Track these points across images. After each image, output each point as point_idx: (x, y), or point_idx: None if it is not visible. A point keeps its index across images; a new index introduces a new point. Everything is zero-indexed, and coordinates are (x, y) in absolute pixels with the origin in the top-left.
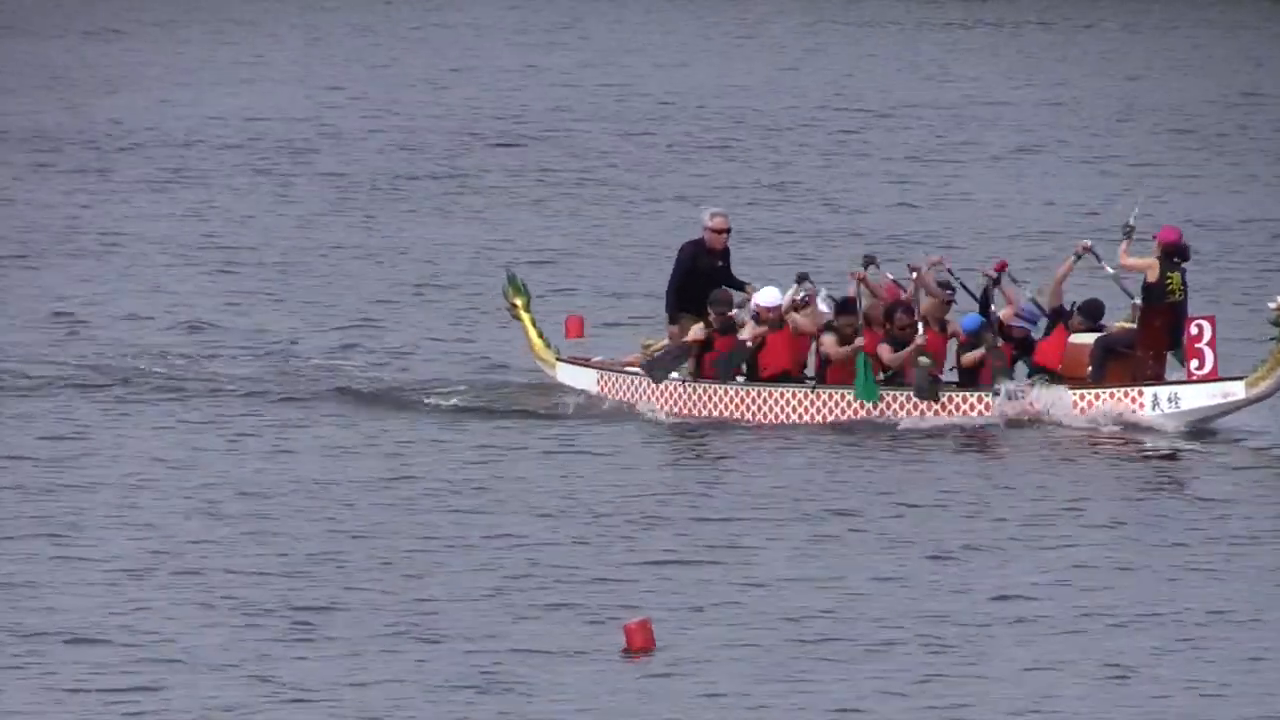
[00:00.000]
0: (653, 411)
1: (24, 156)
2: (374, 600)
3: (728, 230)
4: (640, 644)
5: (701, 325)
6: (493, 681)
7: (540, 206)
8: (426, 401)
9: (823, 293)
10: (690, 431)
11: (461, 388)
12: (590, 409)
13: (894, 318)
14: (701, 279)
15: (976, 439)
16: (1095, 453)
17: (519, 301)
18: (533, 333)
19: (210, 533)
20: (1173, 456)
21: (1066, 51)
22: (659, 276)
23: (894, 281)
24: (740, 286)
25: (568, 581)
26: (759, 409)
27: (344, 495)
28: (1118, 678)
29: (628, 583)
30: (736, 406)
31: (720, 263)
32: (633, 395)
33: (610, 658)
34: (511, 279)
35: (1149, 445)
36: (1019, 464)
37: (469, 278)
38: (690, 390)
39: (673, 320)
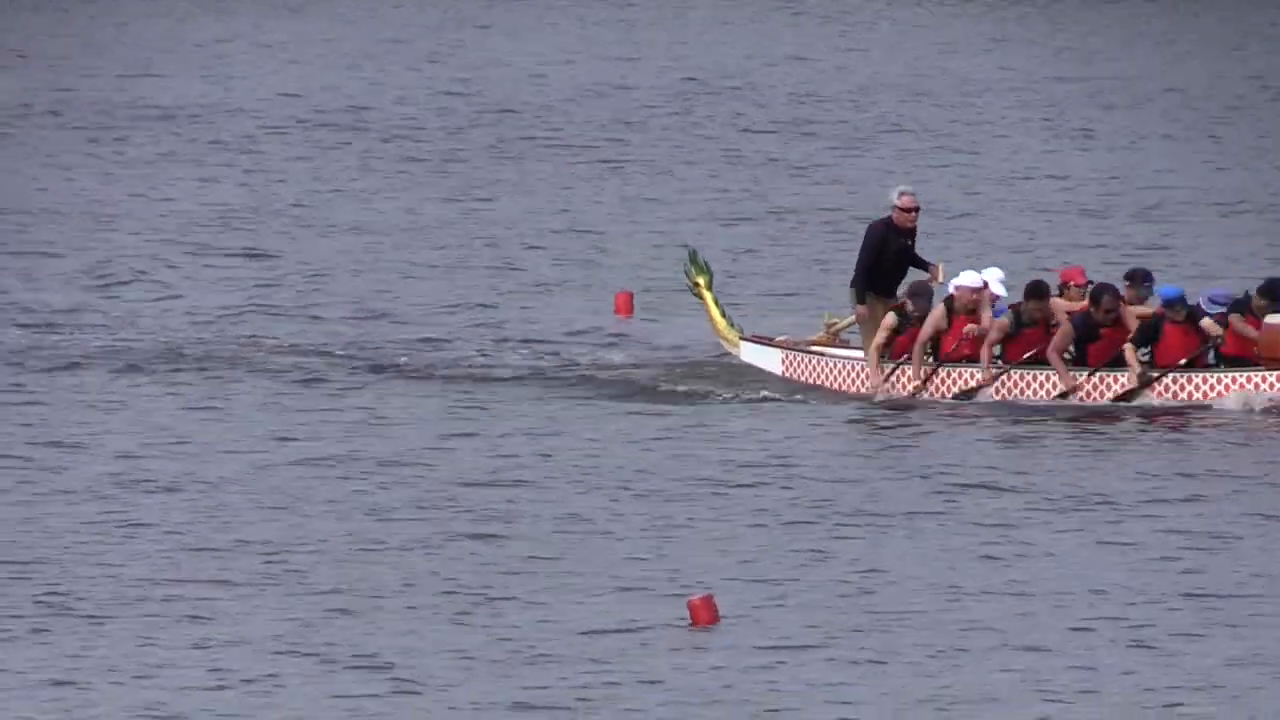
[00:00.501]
0: (839, 392)
1: (82, 132)
2: (443, 570)
3: (916, 209)
4: (704, 619)
5: (894, 315)
6: (557, 656)
7: (704, 181)
8: (502, 376)
9: (997, 275)
10: (773, 407)
11: (525, 364)
12: (677, 383)
13: (1100, 301)
14: (890, 258)
15: (1102, 424)
16: None
17: (701, 280)
18: (715, 311)
19: (328, 507)
20: None
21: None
22: (833, 254)
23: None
24: (925, 266)
25: (633, 557)
26: (949, 388)
27: (420, 470)
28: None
29: (692, 558)
30: (931, 386)
31: (908, 242)
32: (817, 375)
33: (675, 632)
34: (693, 257)
35: None
36: (1184, 450)
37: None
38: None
39: (860, 300)
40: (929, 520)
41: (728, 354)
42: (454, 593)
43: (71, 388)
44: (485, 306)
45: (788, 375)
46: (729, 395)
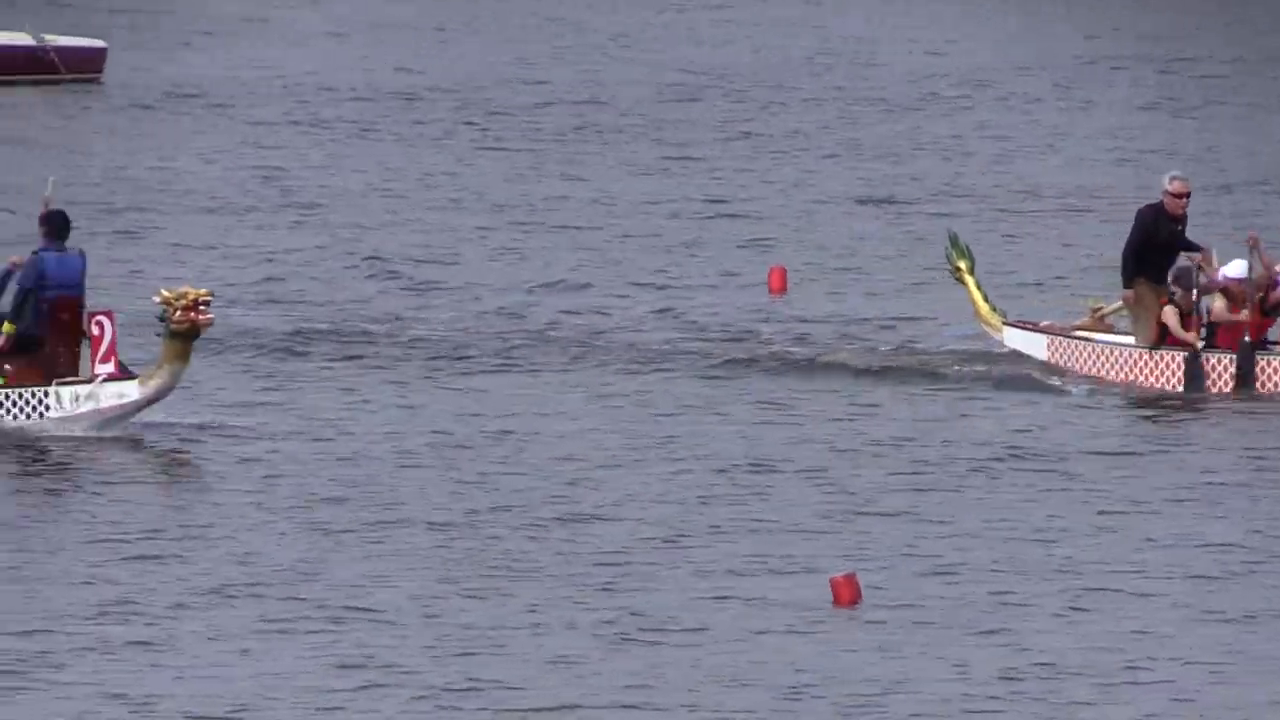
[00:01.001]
0: (1102, 378)
1: (203, 110)
2: (587, 546)
3: (1188, 195)
4: (847, 598)
5: (1174, 310)
6: (701, 632)
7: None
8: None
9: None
10: (941, 387)
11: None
12: (834, 358)
13: None
14: (1160, 244)
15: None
16: None
17: (963, 265)
18: (978, 296)
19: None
20: None
21: None
22: (1090, 239)
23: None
24: (1196, 249)
25: (777, 534)
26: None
27: (574, 447)
28: None
29: (836, 536)
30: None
31: (1179, 227)
32: (1082, 361)
33: (817, 611)
34: (954, 241)
35: None
36: None
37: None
38: (1143, 357)
39: (1128, 284)
40: (1162, 517)
41: (990, 338)
42: (605, 564)
43: (241, 367)
44: (637, 284)
45: (1054, 360)
46: (890, 370)
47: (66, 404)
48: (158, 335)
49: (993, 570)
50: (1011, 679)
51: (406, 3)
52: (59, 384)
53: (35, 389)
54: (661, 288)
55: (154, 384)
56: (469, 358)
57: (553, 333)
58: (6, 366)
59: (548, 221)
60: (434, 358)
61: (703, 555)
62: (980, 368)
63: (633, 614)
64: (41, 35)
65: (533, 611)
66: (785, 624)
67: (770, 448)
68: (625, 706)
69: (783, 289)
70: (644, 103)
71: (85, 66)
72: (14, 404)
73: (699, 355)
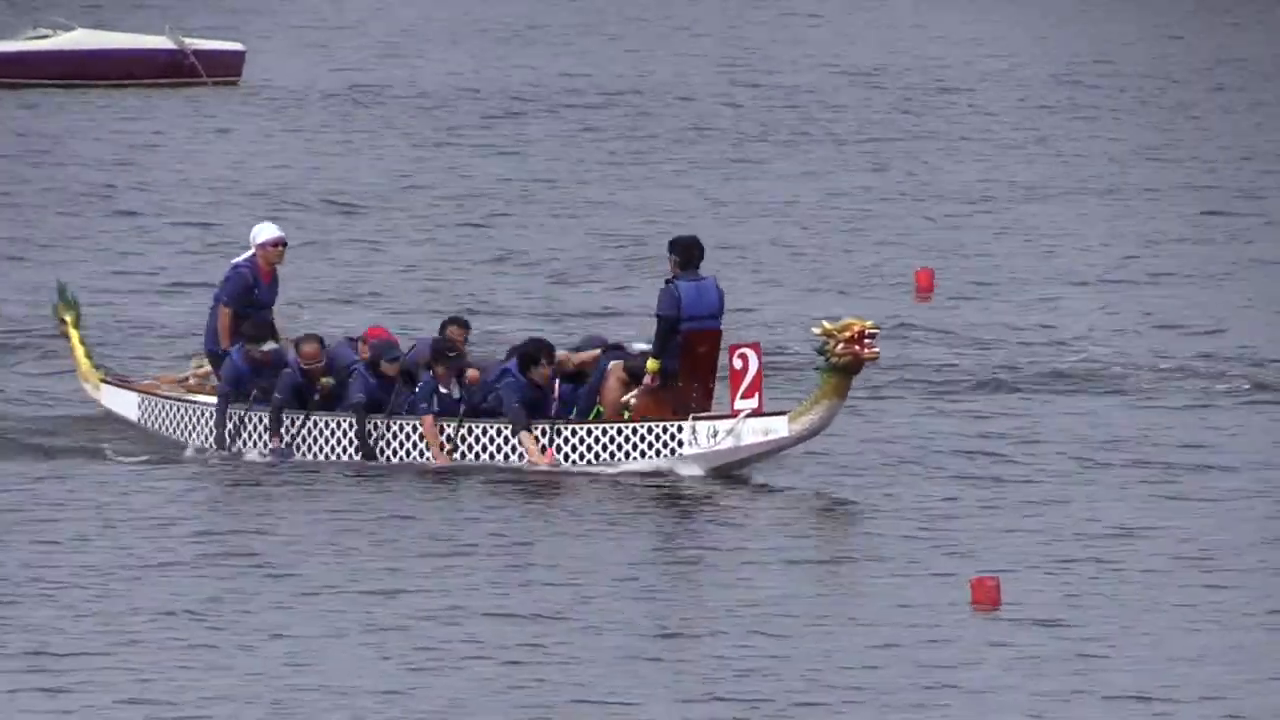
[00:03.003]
0: None
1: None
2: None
3: None
4: (986, 599)
5: None
6: (838, 630)
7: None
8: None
9: None
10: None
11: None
12: (978, 361)
13: None
14: None
15: None
16: None
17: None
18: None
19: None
20: None
21: None
22: None
23: None
24: None
25: (917, 536)
26: None
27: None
28: None
29: (977, 537)
30: None
31: None
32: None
33: (957, 611)
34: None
35: None
36: None
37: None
38: None
39: None
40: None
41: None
42: (743, 554)
43: None
44: (778, 285)
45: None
46: (1032, 377)
47: (703, 440)
48: (816, 369)
49: (1136, 571)
50: (1150, 682)
51: (558, 5)
52: (695, 419)
53: (668, 423)
54: (796, 291)
55: (805, 421)
56: None
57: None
58: (631, 401)
59: (702, 228)
60: None
61: (843, 552)
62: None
63: (768, 605)
64: (181, 38)
65: (691, 591)
66: (923, 623)
67: (919, 445)
68: (759, 700)
69: (930, 289)
70: (785, 109)
71: (225, 70)
72: (642, 439)
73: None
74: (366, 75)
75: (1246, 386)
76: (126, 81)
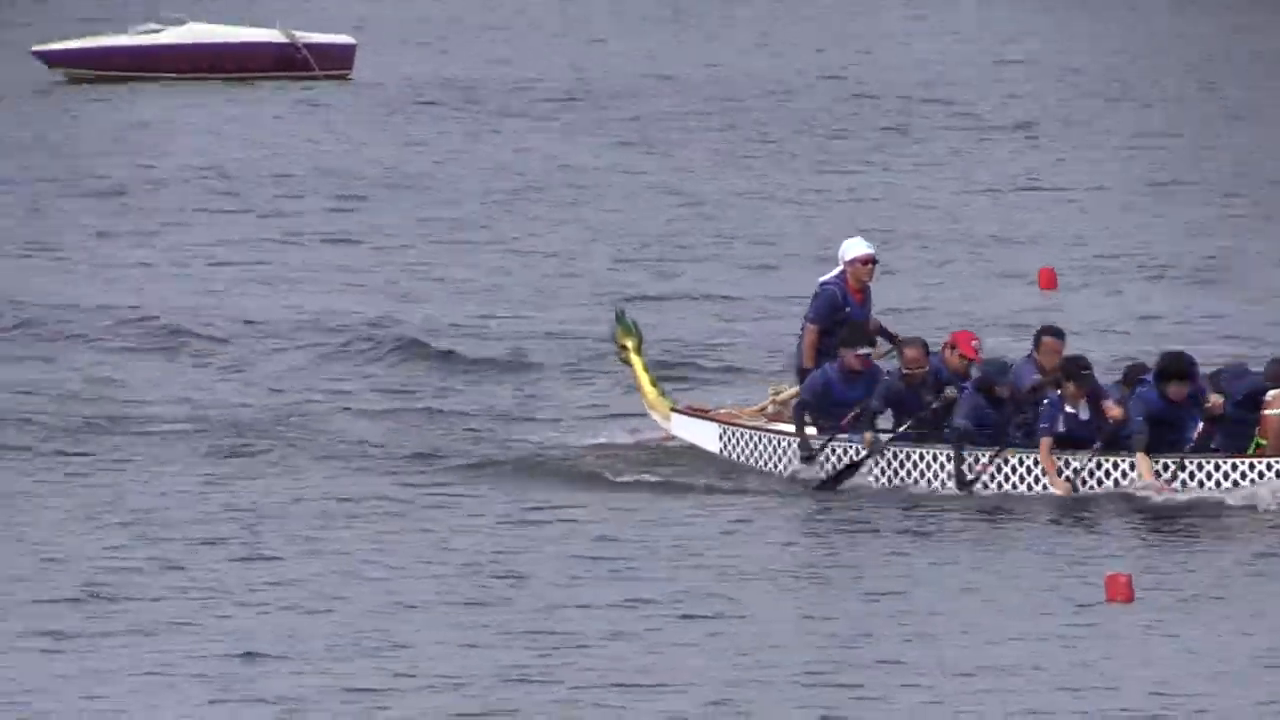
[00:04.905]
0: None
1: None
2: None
3: None
4: (1120, 595)
5: None
6: (967, 624)
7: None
8: None
9: None
10: None
11: None
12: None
13: None
14: None
15: None
16: None
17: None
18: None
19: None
20: None
21: None
22: None
23: None
24: None
25: (1049, 535)
26: None
27: None
28: None
29: (1111, 536)
30: None
31: None
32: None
33: (1090, 607)
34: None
35: None
36: None
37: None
38: None
39: None
40: None
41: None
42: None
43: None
44: (899, 279)
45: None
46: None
47: None
48: None
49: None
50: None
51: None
52: None
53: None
54: (914, 286)
55: None
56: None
57: None
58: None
59: (811, 220)
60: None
61: (972, 546)
62: None
63: (893, 609)
64: (292, 32)
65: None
66: (1056, 618)
67: None
68: (872, 698)
69: (1052, 287)
70: (897, 105)
71: (335, 64)
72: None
73: None
74: (478, 71)
75: None
76: (237, 75)
